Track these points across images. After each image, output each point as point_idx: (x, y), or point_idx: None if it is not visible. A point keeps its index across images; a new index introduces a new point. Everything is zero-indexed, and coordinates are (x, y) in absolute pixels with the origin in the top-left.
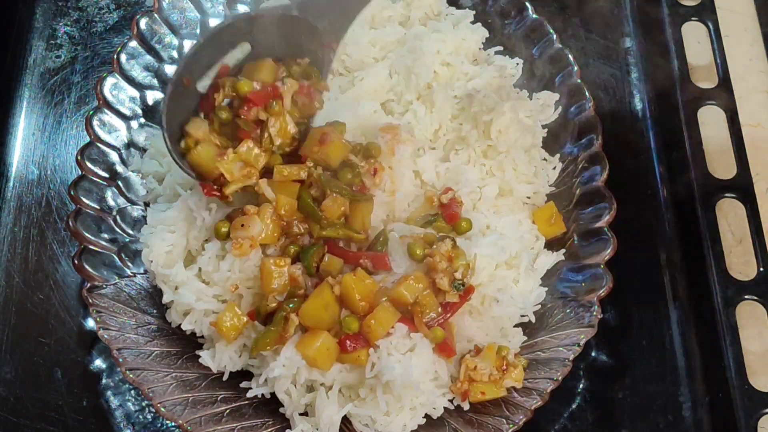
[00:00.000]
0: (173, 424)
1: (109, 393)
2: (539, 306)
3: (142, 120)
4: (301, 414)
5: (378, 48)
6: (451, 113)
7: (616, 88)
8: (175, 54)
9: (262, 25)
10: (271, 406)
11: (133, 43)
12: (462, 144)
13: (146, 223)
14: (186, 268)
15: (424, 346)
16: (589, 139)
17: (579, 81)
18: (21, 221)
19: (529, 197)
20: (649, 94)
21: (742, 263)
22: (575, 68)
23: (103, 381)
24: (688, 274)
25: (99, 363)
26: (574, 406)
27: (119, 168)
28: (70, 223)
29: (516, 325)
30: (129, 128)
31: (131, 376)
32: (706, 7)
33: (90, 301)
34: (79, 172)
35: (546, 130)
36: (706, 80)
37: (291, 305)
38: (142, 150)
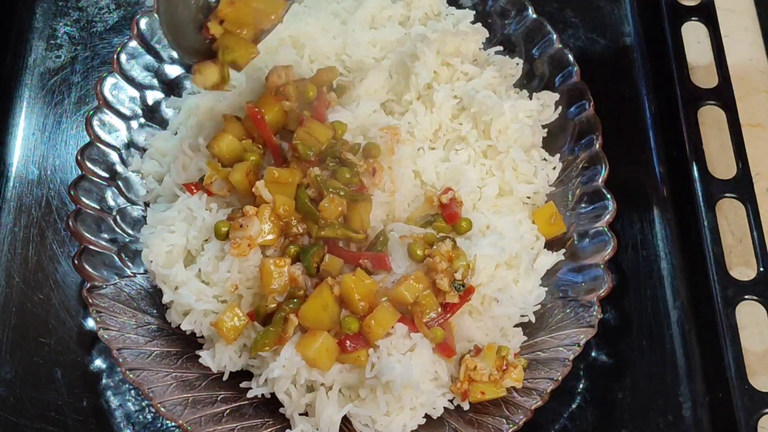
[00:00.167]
0: (173, 424)
1: (109, 393)
2: (539, 306)
3: (142, 120)
4: (301, 414)
5: (378, 48)
6: (451, 113)
7: (616, 88)
8: (175, 54)
9: None
10: (271, 406)
11: (133, 43)
12: (462, 144)
13: (146, 223)
14: (186, 268)
15: (424, 346)
16: (589, 139)
17: (579, 81)
18: (21, 221)
19: (529, 197)
20: (649, 94)
21: (742, 263)
22: (575, 68)
23: (103, 381)
24: (688, 274)
25: (99, 363)
26: (574, 406)
27: (119, 168)
28: (70, 223)
29: (516, 325)
30: (129, 128)
31: (131, 376)
32: (706, 7)
33: (90, 301)
34: (79, 172)
35: (546, 130)
36: (706, 80)
37: (290, 306)
38: (142, 150)
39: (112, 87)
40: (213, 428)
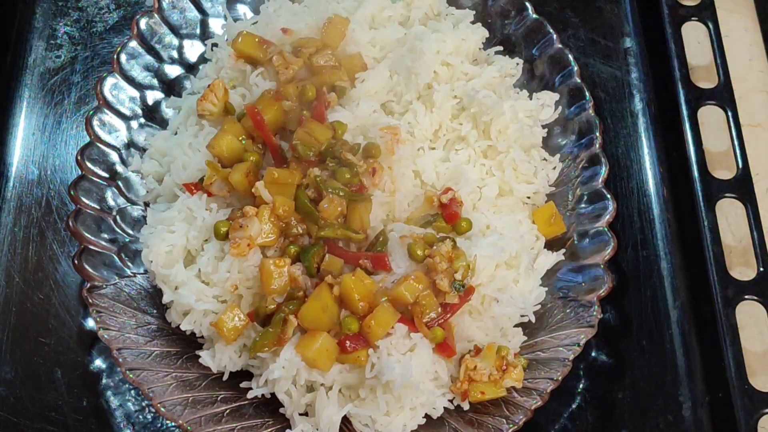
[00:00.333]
0: (173, 424)
1: (109, 393)
2: (539, 306)
3: (142, 120)
4: (301, 414)
5: (378, 48)
6: (451, 113)
7: (616, 88)
8: (175, 54)
9: None
10: (271, 406)
11: (133, 43)
12: (462, 144)
13: (146, 223)
14: (186, 268)
15: (424, 346)
16: (589, 139)
17: (579, 81)
18: (21, 221)
19: (529, 197)
20: (649, 94)
21: (742, 263)
22: (575, 68)
23: (103, 381)
24: (688, 274)
25: (99, 363)
26: (574, 406)
27: (119, 168)
28: (70, 223)
29: (516, 325)
30: (129, 128)
31: (131, 376)
32: (706, 7)
33: (90, 301)
34: (79, 172)
35: (546, 130)
36: (706, 80)
37: (290, 307)
38: (142, 150)
39: (112, 87)
40: (213, 428)
